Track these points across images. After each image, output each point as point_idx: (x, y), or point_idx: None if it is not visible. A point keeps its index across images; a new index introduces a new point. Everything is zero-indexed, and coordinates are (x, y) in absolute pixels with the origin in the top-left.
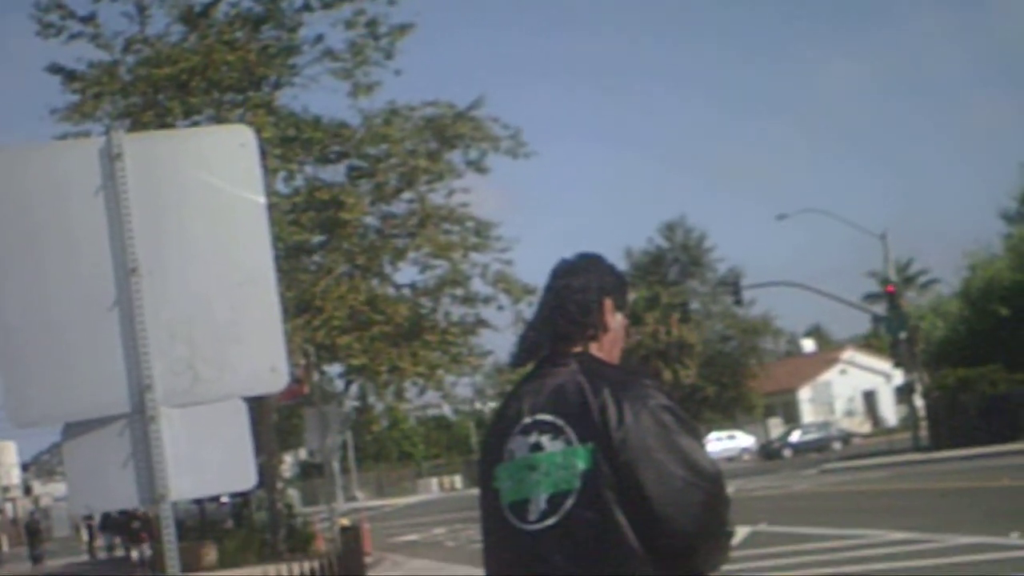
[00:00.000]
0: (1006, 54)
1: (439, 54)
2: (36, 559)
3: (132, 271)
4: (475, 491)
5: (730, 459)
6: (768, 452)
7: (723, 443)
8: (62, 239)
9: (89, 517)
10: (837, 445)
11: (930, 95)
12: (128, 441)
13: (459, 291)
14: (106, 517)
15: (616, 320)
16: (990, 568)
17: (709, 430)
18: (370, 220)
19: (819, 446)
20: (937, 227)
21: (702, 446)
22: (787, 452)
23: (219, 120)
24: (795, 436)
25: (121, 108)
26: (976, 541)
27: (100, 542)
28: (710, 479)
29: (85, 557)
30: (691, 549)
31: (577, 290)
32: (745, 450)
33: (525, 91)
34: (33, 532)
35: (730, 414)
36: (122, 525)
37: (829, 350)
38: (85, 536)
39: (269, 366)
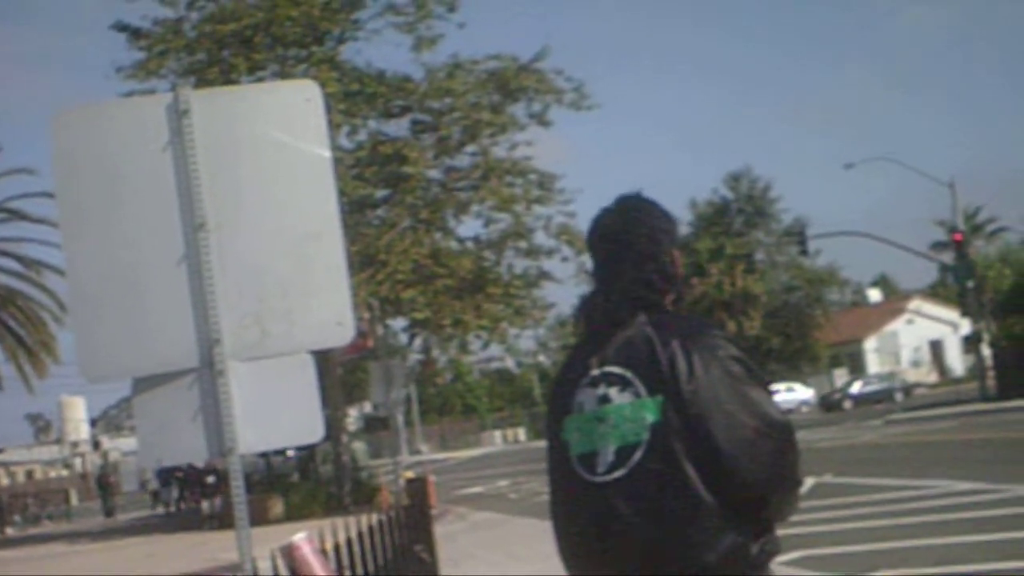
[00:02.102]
0: None
1: (503, 5)
2: (109, 512)
3: (200, 226)
4: (539, 444)
5: (788, 411)
6: (828, 404)
7: (781, 395)
8: (131, 195)
9: (176, 469)
10: (899, 396)
11: (1000, 41)
12: (197, 395)
13: (522, 244)
14: (169, 471)
15: (679, 261)
16: None
17: (772, 381)
18: (433, 174)
19: (880, 397)
20: (1006, 175)
21: (772, 396)
22: (848, 404)
23: (283, 75)
24: (856, 387)
25: (186, 65)
26: None
27: (162, 495)
28: (781, 429)
29: (159, 510)
30: (763, 500)
31: (652, 257)
32: (804, 403)
33: (589, 38)
34: (104, 486)
35: (795, 365)
36: (196, 479)
37: (896, 300)
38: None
39: (335, 320)
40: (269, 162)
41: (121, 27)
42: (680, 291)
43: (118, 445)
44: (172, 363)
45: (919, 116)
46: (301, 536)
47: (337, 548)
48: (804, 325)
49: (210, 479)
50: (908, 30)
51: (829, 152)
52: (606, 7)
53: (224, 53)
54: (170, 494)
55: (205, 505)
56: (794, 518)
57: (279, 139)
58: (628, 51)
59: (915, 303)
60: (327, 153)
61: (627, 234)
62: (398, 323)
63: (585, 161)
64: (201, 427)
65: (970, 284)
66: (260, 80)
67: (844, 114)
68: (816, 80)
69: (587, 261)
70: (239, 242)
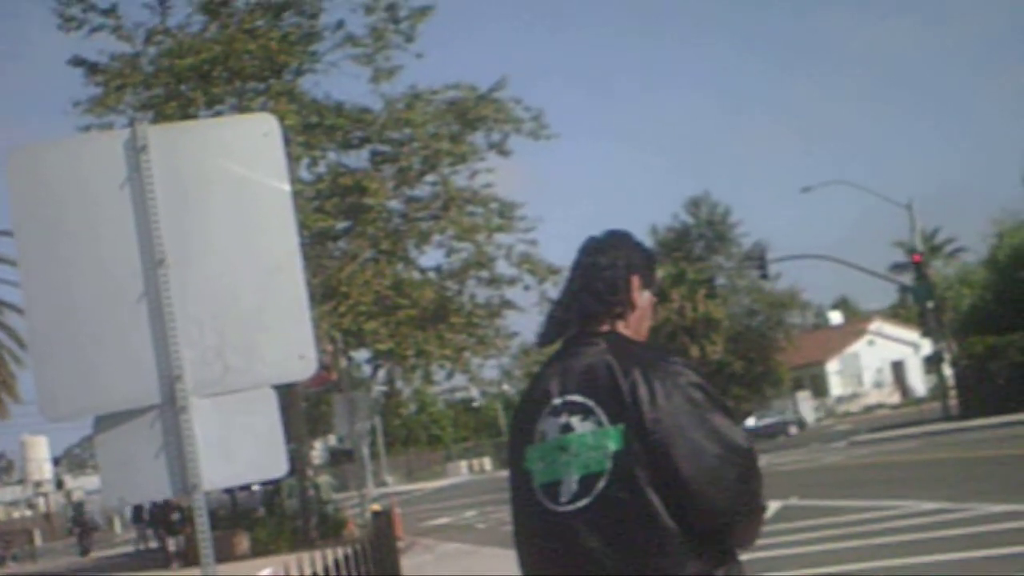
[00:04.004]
0: None
1: (461, 35)
2: (84, 552)
3: (159, 262)
4: (505, 473)
5: None
6: None
7: None
8: (89, 232)
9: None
10: (793, 430)
11: (957, 62)
12: (160, 432)
13: (484, 273)
14: (138, 509)
15: (643, 298)
16: (1022, 537)
17: (738, 406)
18: (394, 204)
19: (774, 431)
20: (963, 196)
21: (734, 422)
22: None
23: (242, 109)
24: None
25: (144, 100)
26: (1008, 509)
27: (132, 533)
28: (743, 455)
29: (127, 548)
30: (728, 526)
31: (604, 268)
32: None
33: (547, 67)
34: (82, 524)
35: (758, 389)
36: (160, 516)
37: (856, 321)
38: (118, 528)
39: (297, 354)
40: (228, 196)
41: (78, 62)
42: (629, 311)
43: (82, 484)
44: (134, 400)
45: (877, 138)
46: (267, 572)
47: None
48: (766, 349)
49: (175, 516)
50: (861, 51)
51: (788, 176)
52: (563, 38)
53: (182, 87)
54: (143, 531)
55: (171, 543)
56: (761, 541)
57: (238, 173)
58: (588, 78)
59: (876, 324)
60: (286, 186)
61: (597, 255)
62: (361, 355)
63: (546, 190)
64: (164, 464)
65: (930, 304)
66: (218, 114)
67: (802, 137)
68: (776, 104)
69: (549, 289)
70: (199, 277)
